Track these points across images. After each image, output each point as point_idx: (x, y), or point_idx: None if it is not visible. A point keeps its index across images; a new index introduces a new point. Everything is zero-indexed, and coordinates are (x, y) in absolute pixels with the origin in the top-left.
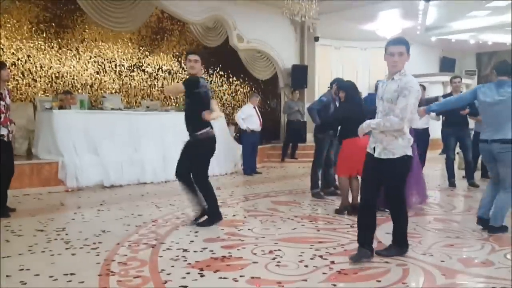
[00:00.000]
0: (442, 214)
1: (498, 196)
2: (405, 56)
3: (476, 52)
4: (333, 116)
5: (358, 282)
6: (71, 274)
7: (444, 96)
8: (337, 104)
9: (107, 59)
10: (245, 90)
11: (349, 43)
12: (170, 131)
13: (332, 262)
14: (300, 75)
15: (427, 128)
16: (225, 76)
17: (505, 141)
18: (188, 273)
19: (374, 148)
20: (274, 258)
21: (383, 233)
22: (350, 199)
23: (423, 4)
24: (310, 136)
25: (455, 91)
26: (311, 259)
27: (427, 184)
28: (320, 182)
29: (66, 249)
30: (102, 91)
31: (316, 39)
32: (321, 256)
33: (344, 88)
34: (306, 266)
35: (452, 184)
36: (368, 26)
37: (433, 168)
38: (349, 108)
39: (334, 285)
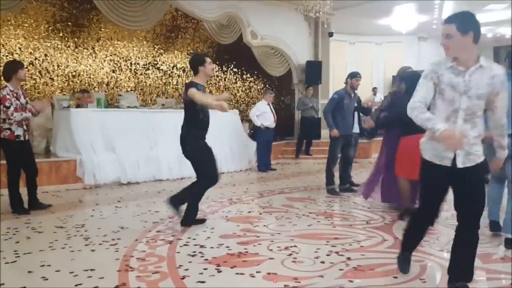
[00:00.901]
0: None
1: (508, 204)
2: (457, 37)
3: (494, 45)
4: (394, 112)
5: (375, 278)
6: (91, 270)
7: None
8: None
9: (123, 58)
10: (259, 87)
11: (364, 38)
12: None
13: (349, 259)
14: (314, 71)
15: None
16: (239, 73)
17: None
18: (206, 268)
19: (454, 157)
20: (290, 254)
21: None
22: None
23: None
24: (324, 133)
25: None
26: (327, 255)
27: None
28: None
29: (86, 245)
30: (118, 90)
31: (331, 34)
32: (337, 253)
33: (405, 78)
34: (323, 262)
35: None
36: (383, 21)
37: None
38: None
39: (351, 281)
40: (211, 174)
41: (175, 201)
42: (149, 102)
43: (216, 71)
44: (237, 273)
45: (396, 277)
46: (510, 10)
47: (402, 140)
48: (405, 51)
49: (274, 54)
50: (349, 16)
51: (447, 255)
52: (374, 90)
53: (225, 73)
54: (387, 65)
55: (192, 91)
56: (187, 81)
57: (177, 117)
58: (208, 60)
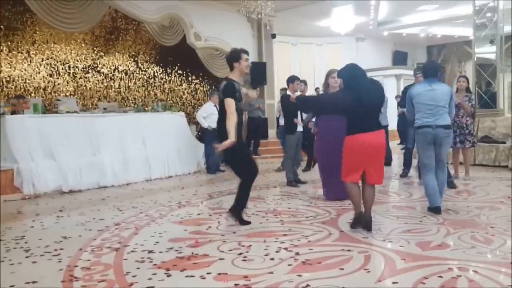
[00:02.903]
0: (399, 201)
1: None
2: None
3: (427, 45)
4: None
5: (322, 271)
6: (33, 282)
7: (406, 88)
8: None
9: (60, 61)
10: (205, 89)
11: (305, 39)
12: (129, 132)
13: (297, 254)
14: (259, 72)
15: None
16: (184, 75)
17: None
18: (154, 274)
19: None
20: (240, 254)
21: (344, 222)
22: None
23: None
24: (271, 133)
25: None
26: (277, 252)
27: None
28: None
29: (26, 257)
30: (56, 94)
31: (273, 36)
32: (286, 249)
33: (340, 74)
34: (272, 259)
35: (405, 174)
36: (323, 23)
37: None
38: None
39: (300, 275)
40: (250, 170)
41: (235, 208)
42: (90, 106)
43: (160, 73)
44: (187, 276)
45: (342, 269)
46: (440, 10)
47: (345, 139)
48: (344, 51)
49: (219, 55)
50: (291, 18)
51: (390, 245)
52: (317, 90)
53: (170, 75)
54: (328, 65)
55: (229, 103)
56: (225, 77)
57: (121, 121)
58: (245, 56)
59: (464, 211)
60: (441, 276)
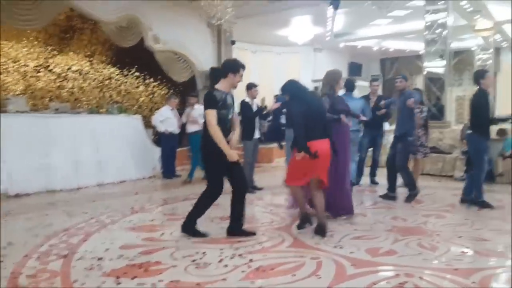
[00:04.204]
0: None
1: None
2: None
3: (380, 57)
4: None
5: (274, 277)
6: None
7: (364, 97)
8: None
9: (10, 59)
10: (163, 92)
11: (265, 47)
12: (82, 134)
13: (251, 260)
14: (218, 78)
15: None
16: (142, 77)
17: None
18: (104, 282)
19: None
20: (194, 260)
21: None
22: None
23: (331, 11)
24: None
25: (373, 93)
26: (231, 258)
27: None
28: None
29: None
30: (5, 93)
31: (233, 42)
32: (240, 255)
33: (285, 89)
34: (226, 265)
35: (358, 182)
36: (281, 32)
37: None
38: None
39: (253, 282)
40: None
41: (235, 227)
42: (41, 106)
43: (116, 75)
44: (138, 284)
45: (294, 275)
46: (393, 25)
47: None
48: (302, 61)
49: (178, 59)
50: (251, 25)
51: (341, 252)
52: (276, 98)
53: (126, 77)
54: (287, 74)
55: (208, 115)
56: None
57: (73, 122)
58: (242, 72)
59: (411, 218)
60: (389, 282)
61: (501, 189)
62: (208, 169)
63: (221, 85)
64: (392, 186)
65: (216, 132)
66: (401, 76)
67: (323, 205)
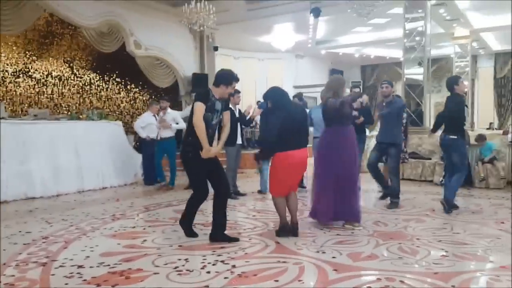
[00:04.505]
0: None
1: None
2: None
3: (361, 64)
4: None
5: (257, 283)
6: None
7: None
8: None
9: None
10: (144, 98)
11: (248, 53)
12: (62, 140)
13: (234, 266)
14: (200, 84)
15: None
16: (123, 83)
17: None
18: None
19: None
20: (176, 267)
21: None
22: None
23: (312, 19)
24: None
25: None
26: (213, 265)
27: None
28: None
29: None
30: None
31: (215, 48)
32: (223, 261)
33: (267, 96)
34: (208, 272)
35: None
36: (264, 38)
37: None
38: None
39: None
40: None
41: (217, 233)
42: (20, 112)
43: (96, 81)
44: None
45: (277, 281)
46: (373, 33)
47: (275, 156)
48: (285, 67)
49: (160, 65)
50: (233, 31)
51: (323, 257)
52: (258, 104)
53: (107, 83)
54: (270, 80)
55: (197, 106)
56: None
57: (52, 128)
58: (234, 84)
59: (392, 223)
60: (370, 287)
61: (480, 194)
62: (190, 173)
63: (216, 92)
64: (387, 187)
65: (200, 124)
66: (387, 82)
67: (297, 206)
